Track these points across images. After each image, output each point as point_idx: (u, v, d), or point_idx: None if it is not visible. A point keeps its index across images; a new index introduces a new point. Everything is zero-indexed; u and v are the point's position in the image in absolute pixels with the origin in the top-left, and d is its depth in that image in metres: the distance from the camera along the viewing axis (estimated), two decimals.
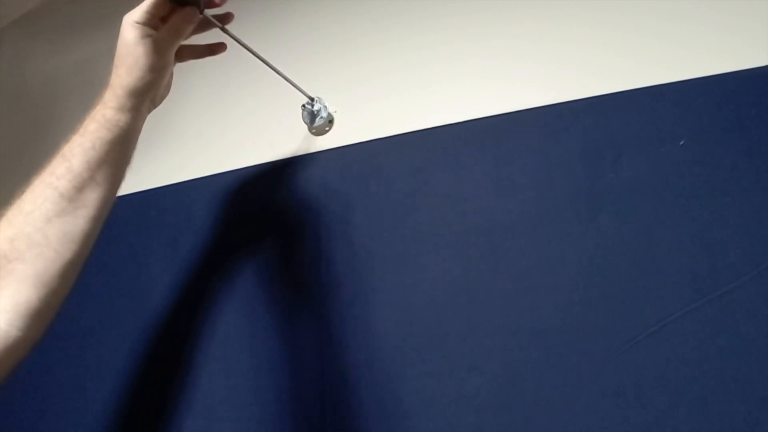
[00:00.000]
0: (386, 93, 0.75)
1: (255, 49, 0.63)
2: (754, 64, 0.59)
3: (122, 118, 0.56)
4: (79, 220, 0.53)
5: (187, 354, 0.75)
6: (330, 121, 0.77)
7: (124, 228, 0.84)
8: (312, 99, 0.76)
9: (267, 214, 0.76)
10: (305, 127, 0.78)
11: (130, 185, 0.81)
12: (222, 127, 0.83)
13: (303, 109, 0.76)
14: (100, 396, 0.78)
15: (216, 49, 0.64)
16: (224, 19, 0.62)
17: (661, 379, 0.55)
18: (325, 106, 0.76)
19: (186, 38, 0.58)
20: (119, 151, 0.56)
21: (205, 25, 0.60)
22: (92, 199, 0.54)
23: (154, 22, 0.55)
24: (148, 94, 0.57)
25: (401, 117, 0.73)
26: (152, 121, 0.61)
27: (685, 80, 0.62)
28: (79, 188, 0.53)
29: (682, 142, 0.60)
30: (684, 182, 0.59)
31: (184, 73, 0.62)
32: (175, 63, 0.62)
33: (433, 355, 0.63)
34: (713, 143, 0.59)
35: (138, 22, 0.54)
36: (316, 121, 0.76)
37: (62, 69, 1.01)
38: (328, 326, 0.68)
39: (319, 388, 0.66)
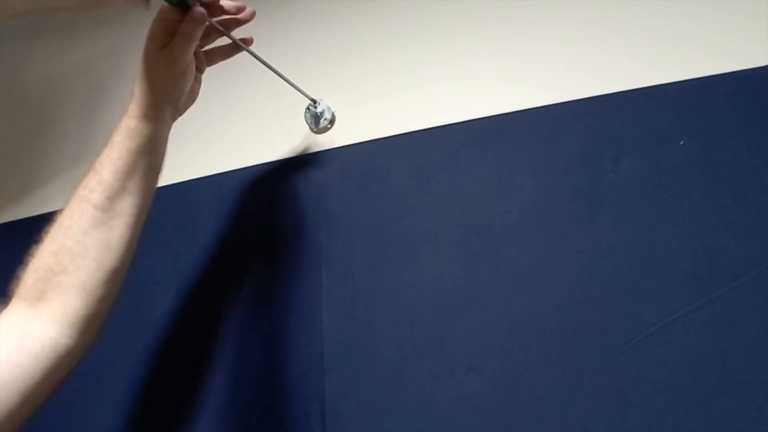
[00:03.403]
0: (386, 93, 0.75)
1: (256, 50, 0.63)
2: (754, 64, 0.59)
3: (146, 127, 0.57)
4: (115, 230, 0.55)
5: (187, 354, 0.75)
6: (331, 122, 0.77)
7: None
8: (314, 101, 0.76)
9: (267, 214, 0.76)
10: (305, 127, 0.78)
11: None
12: (222, 127, 0.83)
13: (306, 111, 0.77)
14: (99, 398, 0.77)
15: (244, 42, 0.64)
16: (244, 41, 0.63)
17: (661, 379, 0.55)
18: (328, 107, 0.76)
19: (198, 41, 0.58)
20: (147, 159, 0.58)
21: (212, 33, 0.61)
22: (125, 207, 0.56)
23: (172, 31, 0.55)
24: (169, 102, 0.59)
25: (401, 117, 0.73)
26: None
27: (685, 80, 0.62)
28: (112, 198, 0.55)
29: (682, 142, 0.60)
30: (684, 182, 0.59)
31: None
32: (205, 68, 0.63)
33: (433, 355, 0.63)
34: (713, 143, 0.59)
35: (154, 35, 0.55)
36: (320, 122, 0.76)
37: (62, 69, 1.01)
38: (328, 326, 0.68)
39: (320, 388, 0.66)
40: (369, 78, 0.77)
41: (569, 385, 0.57)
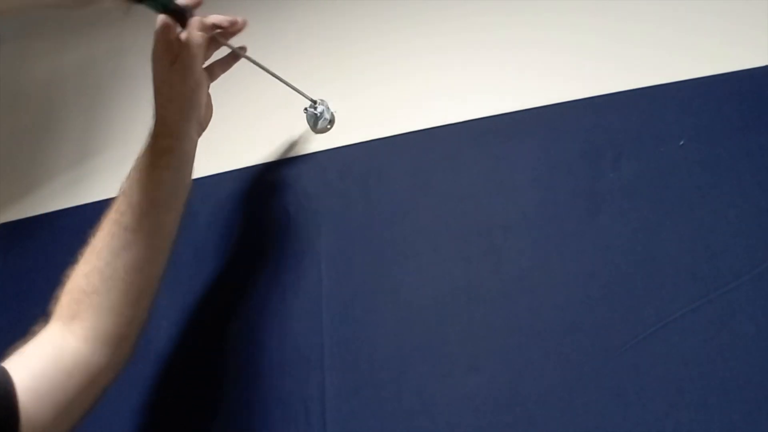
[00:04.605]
0: (386, 93, 0.75)
1: (255, 51, 0.64)
2: (754, 64, 0.60)
3: (173, 146, 0.57)
4: (144, 251, 0.56)
5: (186, 353, 0.75)
6: (331, 122, 0.77)
7: None
8: (314, 101, 0.76)
9: (267, 213, 0.76)
10: (305, 126, 0.78)
11: None
12: (222, 128, 0.83)
13: (306, 112, 0.77)
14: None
15: (240, 51, 0.64)
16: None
17: (661, 378, 0.55)
18: (328, 108, 0.76)
19: (205, 47, 0.58)
20: (175, 179, 0.58)
21: (210, 45, 0.61)
22: (155, 228, 0.57)
23: (174, 48, 0.55)
24: (191, 117, 0.59)
25: (401, 117, 0.73)
26: None
27: (685, 80, 0.62)
28: (141, 220, 0.56)
29: (682, 142, 0.60)
30: (684, 182, 0.59)
31: None
32: (209, 83, 0.64)
33: (433, 355, 0.63)
34: (713, 143, 0.59)
35: (159, 55, 0.55)
36: (320, 123, 0.76)
37: (62, 69, 1.01)
38: (328, 326, 0.68)
39: (320, 388, 0.66)
40: (369, 78, 0.77)
41: (569, 385, 0.57)
